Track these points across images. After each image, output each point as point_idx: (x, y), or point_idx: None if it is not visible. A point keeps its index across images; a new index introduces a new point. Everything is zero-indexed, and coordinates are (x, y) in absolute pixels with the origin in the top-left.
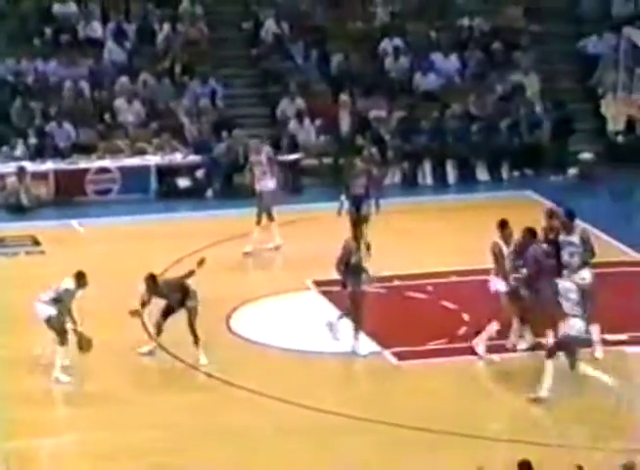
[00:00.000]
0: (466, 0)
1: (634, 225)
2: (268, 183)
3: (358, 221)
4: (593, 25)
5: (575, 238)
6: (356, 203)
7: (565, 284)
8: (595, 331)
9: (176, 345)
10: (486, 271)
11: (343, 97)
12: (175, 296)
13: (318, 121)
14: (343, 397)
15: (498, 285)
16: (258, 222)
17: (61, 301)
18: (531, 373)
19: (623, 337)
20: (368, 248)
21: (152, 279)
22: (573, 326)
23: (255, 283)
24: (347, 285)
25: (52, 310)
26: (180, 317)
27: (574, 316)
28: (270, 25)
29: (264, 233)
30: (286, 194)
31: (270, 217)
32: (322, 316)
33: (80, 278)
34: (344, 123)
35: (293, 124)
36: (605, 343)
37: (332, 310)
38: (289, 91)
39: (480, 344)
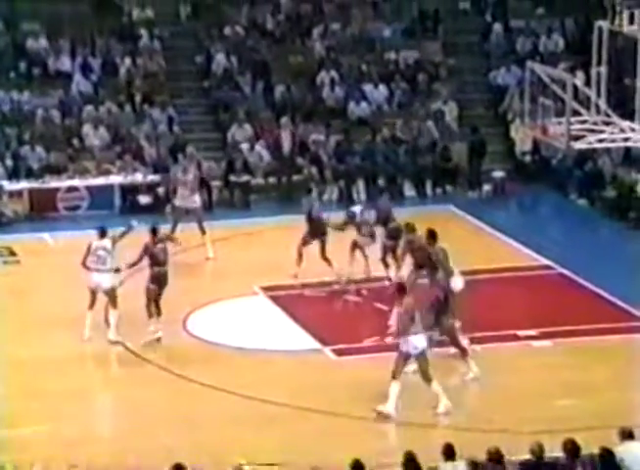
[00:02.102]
0: (392, 36)
1: (540, 234)
2: (196, 199)
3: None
4: (500, 59)
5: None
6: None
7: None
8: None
9: (136, 341)
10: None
11: (284, 120)
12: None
13: (264, 144)
14: (287, 389)
15: (459, 283)
16: (204, 232)
17: None
18: (449, 364)
19: (532, 332)
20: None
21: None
22: (411, 343)
23: (209, 289)
24: None
25: None
26: (132, 312)
27: (415, 334)
28: (221, 59)
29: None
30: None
31: (203, 231)
32: (269, 318)
33: None
34: (286, 144)
35: (246, 150)
36: (516, 338)
37: (278, 312)
38: (238, 118)
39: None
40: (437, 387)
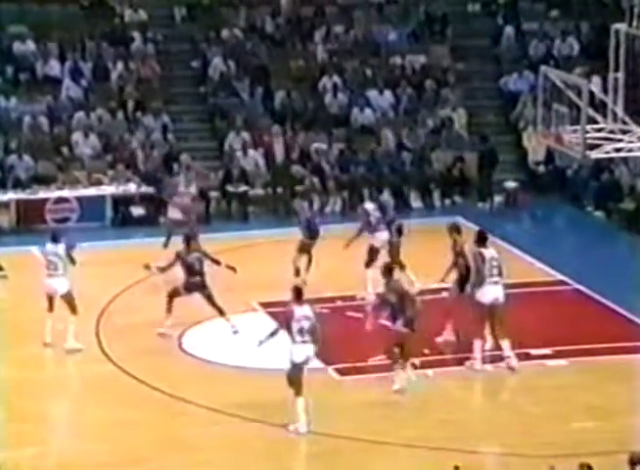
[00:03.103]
0: (397, 40)
1: (555, 247)
2: (189, 212)
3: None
4: (512, 64)
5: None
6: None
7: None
8: (506, 346)
9: (126, 359)
10: (423, 291)
11: (275, 127)
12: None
13: (261, 153)
14: (288, 411)
15: (490, 294)
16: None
17: None
18: (461, 384)
19: (547, 351)
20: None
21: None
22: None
23: (206, 304)
24: None
25: None
26: (126, 331)
27: (303, 343)
28: (217, 64)
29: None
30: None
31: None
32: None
33: None
34: (279, 153)
35: (240, 157)
36: (529, 357)
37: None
38: (235, 126)
39: (475, 362)
40: (302, 405)
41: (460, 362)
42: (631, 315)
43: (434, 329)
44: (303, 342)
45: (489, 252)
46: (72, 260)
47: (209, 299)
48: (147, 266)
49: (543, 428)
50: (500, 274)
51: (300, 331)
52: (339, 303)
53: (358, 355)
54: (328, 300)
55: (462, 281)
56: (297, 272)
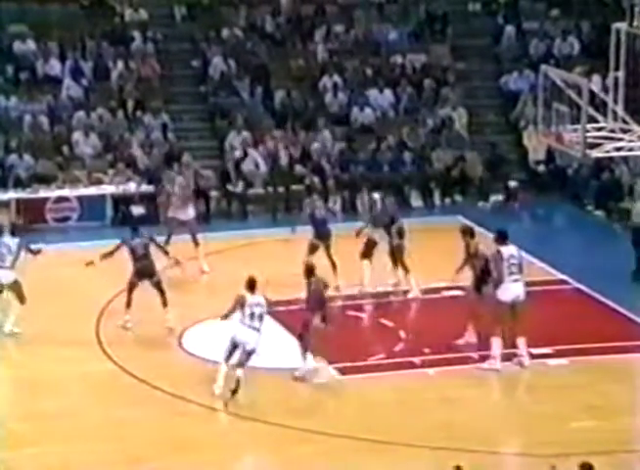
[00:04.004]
0: (398, 39)
1: (555, 247)
2: (190, 211)
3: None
4: (512, 63)
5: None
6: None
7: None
8: (522, 344)
9: (126, 358)
10: (424, 291)
11: (278, 132)
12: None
13: (261, 153)
14: (289, 409)
15: (510, 293)
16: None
17: None
18: (462, 383)
19: (548, 350)
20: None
21: None
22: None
23: (206, 304)
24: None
25: None
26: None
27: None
28: (218, 63)
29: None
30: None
31: (196, 244)
32: (269, 334)
33: None
34: (282, 156)
35: (239, 156)
36: (531, 356)
37: (277, 328)
38: (235, 125)
39: (494, 362)
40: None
41: (462, 362)
42: (632, 315)
43: (437, 329)
44: (251, 327)
45: (508, 249)
46: (32, 252)
47: (158, 286)
48: (89, 263)
49: (544, 427)
50: (520, 271)
51: (252, 316)
52: (339, 301)
53: (359, 354)
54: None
55: (478, 282)
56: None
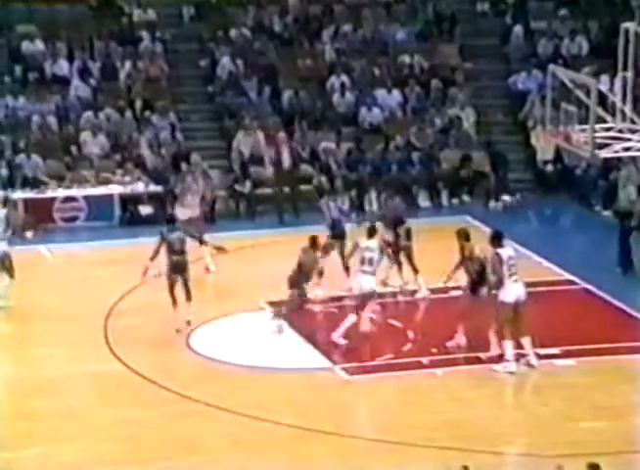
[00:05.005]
0: (406, 39)
1: (563, 247)
2: (197, 210)
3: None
4: (521, 63)
5: None
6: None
7: None
8: (527, 343)
9: (134, 359)
10: (432, 291)
11: (281, 134)
12: None
13: (269, 153)
14: (298, 410)
15: (511, 294)
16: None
17: None
18: (470, 384)
19: (555, 351)
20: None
21: None
22: None
23: (213, 304)
24: None
25: None
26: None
27: None
28: (226, 63)
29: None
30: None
31: (202, 243)
32: (276, 335)
33: None
34: (285, 157)
35: (247, 156)
36: (538, 357)
37: (285, 329)
38: (243, 125)
39: (508, 365)
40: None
41: (470, 362)
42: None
43: (443, 330)
44: (363, 271)
45: (506, 251)
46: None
47: (187, 281)
48: (145, 272)
49: (551, 428)
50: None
51: (363, 260)
52: (347, 301)
53: (366, 355)
54: (336, 298)
55: (474, 285)
56: (321, 273)
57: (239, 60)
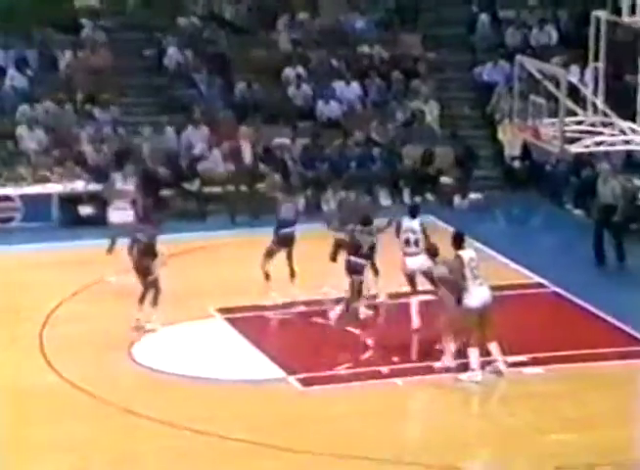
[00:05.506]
0: (366, 28)
1: (532, 248)
2: (130, 213)
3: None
4: (487, 54)
5: None
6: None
7: None
8: (494, 349)
9: (73, 371)
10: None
11: (244, 128)
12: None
13: (222, 149)
14: (248, 423)
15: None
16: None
17: None
18: (433, 394)
19: (523, 358)
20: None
21: None
22: None
23: (159, 310)
24: None
25: None
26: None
27: None
28: (173, 53)
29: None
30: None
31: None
32: (226, 343)
33: None
34: (247, 153)
35: (199, 153)
36: (505, 365)
37: (236, 337)
38: (193, 119)
39: (473, 375)
40: None
41: (432, 371)
42: (613, 319)
43: (406, 336)
44: (407, 253)
45: (467, 253)
46: None
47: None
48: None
49: (519, 440)
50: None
51: (407, 241)
52: (302, 307)
53: (323, 364)
54: (290, 305)
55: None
56: (267, 277)
57: (188, 50)
